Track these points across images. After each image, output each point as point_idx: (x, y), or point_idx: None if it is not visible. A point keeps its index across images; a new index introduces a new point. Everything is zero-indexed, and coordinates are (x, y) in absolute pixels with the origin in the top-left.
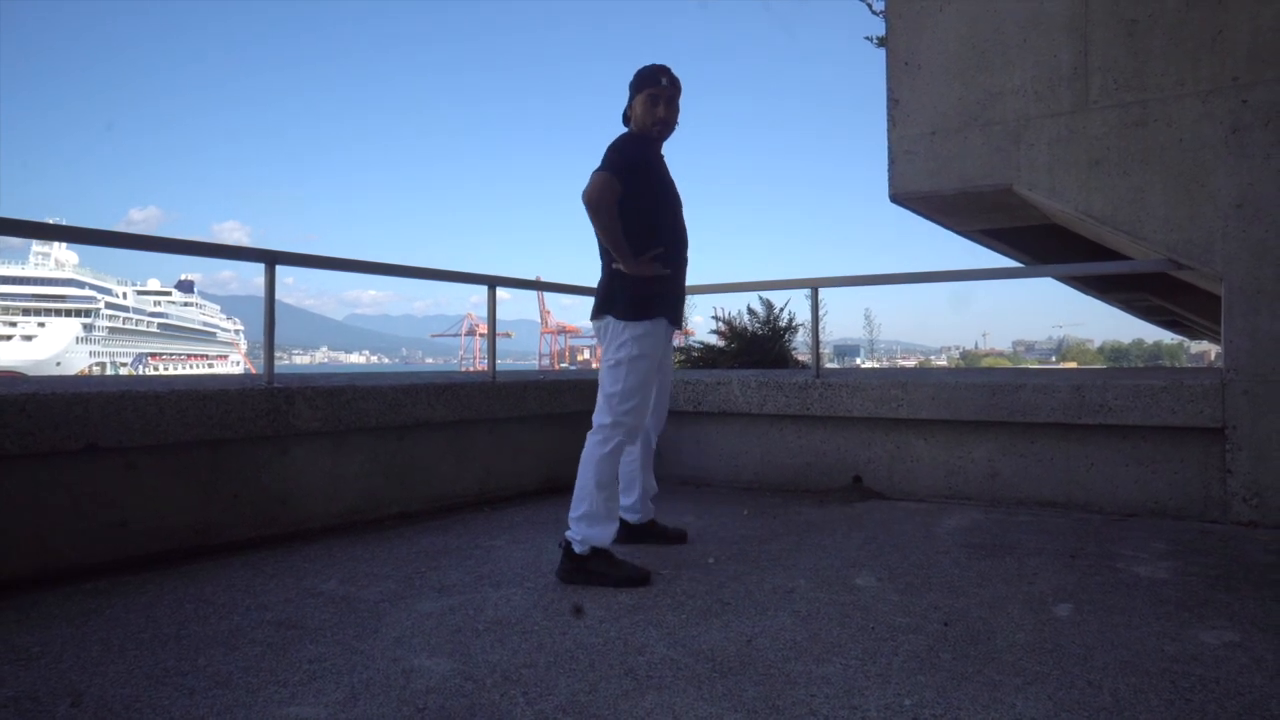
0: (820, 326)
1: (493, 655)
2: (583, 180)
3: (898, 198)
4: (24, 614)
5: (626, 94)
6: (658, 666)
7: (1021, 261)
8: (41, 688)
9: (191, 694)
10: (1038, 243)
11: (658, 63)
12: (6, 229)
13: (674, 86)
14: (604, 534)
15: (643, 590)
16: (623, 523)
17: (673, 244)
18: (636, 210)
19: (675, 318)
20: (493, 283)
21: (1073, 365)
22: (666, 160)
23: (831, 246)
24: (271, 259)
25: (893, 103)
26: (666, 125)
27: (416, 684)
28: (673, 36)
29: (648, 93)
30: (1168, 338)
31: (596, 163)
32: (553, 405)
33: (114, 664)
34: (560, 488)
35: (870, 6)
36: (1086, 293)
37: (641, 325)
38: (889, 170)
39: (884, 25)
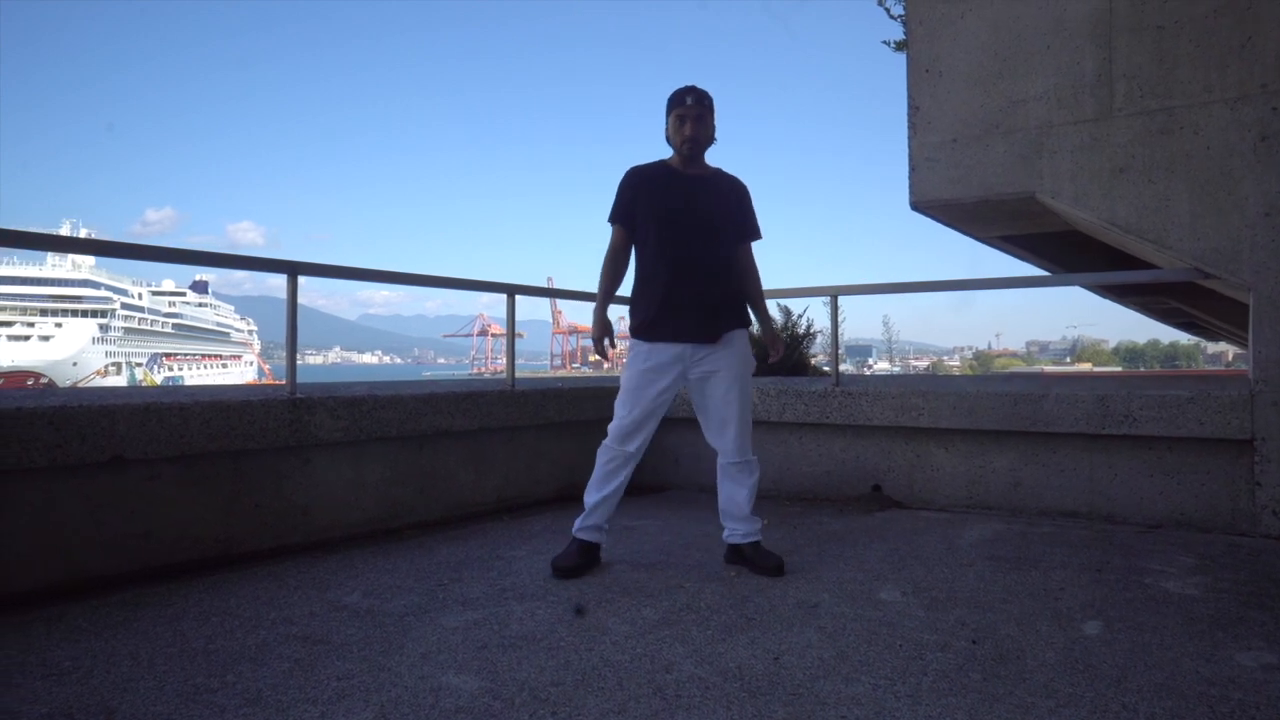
0: (839, 333)
1: (520, 672)
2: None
3: (919, 205)
4: (52, 626)
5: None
6: (686, 685)
7: (1040, 267)
8: (75, 704)
9: (222, 712)
10: (1057, 248)
11: (687, 84)
12: (31, 242)
13: (699, 104)
14: (578, 522)
15: (668, 604)
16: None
17: (673, 264)
18: (641, 244)
19: (681, 333)
20: (512, 291)
21: (1087, 366)
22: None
23: (844, 245)
24: (293, 270)
25: (913, 110)
26: (695, 142)
27: (445, 703)
28: (677, 35)
29: (675, 113)
30: (1184, 339)
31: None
32: (571, 413)
33: (144, 679)
34: (577, 496)
35: (888, 11)
36: (1104, 296)
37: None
38: (910, 178)
39: (902, 30)
